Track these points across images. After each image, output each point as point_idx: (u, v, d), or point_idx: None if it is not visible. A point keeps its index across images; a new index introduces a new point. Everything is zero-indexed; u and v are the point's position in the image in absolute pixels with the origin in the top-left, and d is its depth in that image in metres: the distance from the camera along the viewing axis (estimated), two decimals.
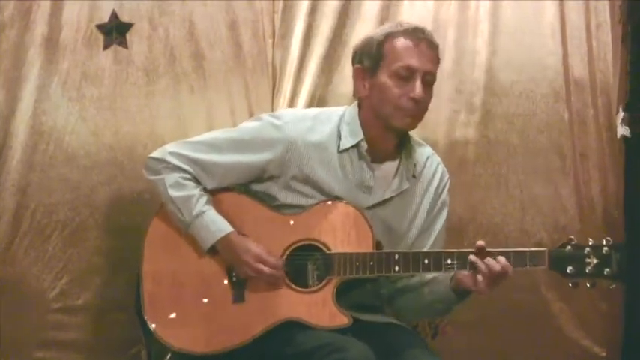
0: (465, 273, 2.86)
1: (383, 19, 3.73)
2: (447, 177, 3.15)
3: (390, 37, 2.94)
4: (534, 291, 3.89)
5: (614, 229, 3.96)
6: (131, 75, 3.51)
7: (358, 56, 3.00)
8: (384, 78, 2.92)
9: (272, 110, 3.64)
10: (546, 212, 3.88)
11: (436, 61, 2.97)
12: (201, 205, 2.94)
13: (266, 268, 2.89)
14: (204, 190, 2.98)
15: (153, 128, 3.53)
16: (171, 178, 2.96)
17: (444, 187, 3.13)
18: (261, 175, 2.98)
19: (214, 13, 3.60)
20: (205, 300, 2.96)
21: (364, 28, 3.72)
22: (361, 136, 2.97)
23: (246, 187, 3.03)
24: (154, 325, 2.95)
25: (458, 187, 3.71)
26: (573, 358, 3.96)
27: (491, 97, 3.80)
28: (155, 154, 3.02)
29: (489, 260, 2.82)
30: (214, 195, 3.01)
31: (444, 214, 3.13)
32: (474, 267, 2.83)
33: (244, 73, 3.64)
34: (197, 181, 2.98)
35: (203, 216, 2.93)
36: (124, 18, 3.48)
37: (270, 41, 3.68)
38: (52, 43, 3.40)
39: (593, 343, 4.00)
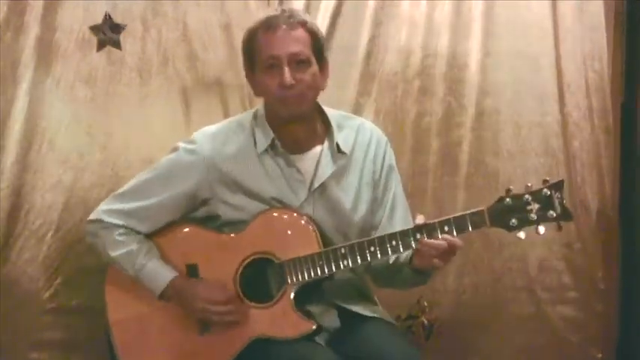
0: (418, 255, 2.84)
1: (377, 19, 3.74)
2: (384, 141, 3.11)
3: (252, 34, 2.96)
4: (529, 292, 3.89)
5: (609, 230, 3.97)
6: (124, 76, 3.50)
7: (243, 61, 3.04)
8: (260, 75, 2.94)
9: None
10: None
11: (302, 39, 2.92)
12: (141, 257, 2.98)
13: (219, 308, 2.91)
14: (143, 239, 3.01)
15: (146, 129, 3.53)
16: (107, 237, 3.01)
17: (385, 153, 3.09)
18: (193, 202, 3.00)
19: (208, 14, 3.59)
20: (174, 338, 2.99)
21: (359, 28, 3.73)
22: (272, 134, 2.97)
23: (187, 217, 3.04)
24: None
25: (450, 188, 3.73)
26: None
27: (484, 98, 3.80)
28: (90, 217, 3.06)
29: (430, 242, 2.78)
30: (158, 231, 3.03)
31: (393, 179, 3.10)
32: (418, 252, 2.81)
33: (239, 75, 3.61)
34: (135, 232, 3.00)
35: (145, 268, 2.97)
36: (118, 19, 3.47)
37: None
38: (45, 44, 3.40)
39: (589, 344, 4.00)
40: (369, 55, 3.76)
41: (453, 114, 3.79)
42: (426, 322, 3.75)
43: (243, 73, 3.56)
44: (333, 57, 3.66)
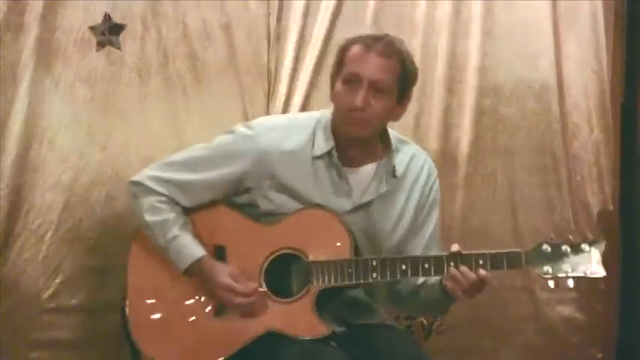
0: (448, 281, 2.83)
1: (377, 20, 3.74)
2: (434, 175, 3.09)
3: (349, 44, 2.93)
4: (528, 292, 3.89)
5: (609, 230, 3.97)
6: (124, 76, 3.50)
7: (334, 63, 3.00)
8: (338, 85, 2.91)
9: (267, 111, 3.66)
10: (538, 213, 3.89)
11: (390, 69, 2.88)
12: (176, 229, 2.95)
13: (238, 299, 2.89)
14: (181, 212, 2.99)
15: (146, 129, 3.53)
16: (146, 201, 2.97)
17: (432, 185, 3.08)
18: (237, 187, 2.97)
19: (208, 15, 3.59)
20: (189, 314, 2.97)
21: (358, 29, 3.72)
22: (332, 142, 2.94)
23: (227, 199, 3.02)
24: (139, 342, 2.97)
25: (449, 188, 3.73)
26: None
27: (483, 98, 3.81)
28: (134, 178, 3.03)
29: (466, 271, 2.78)
30: (195, 208, 3.01)
31: (435, 213, 3.08)
32: (451, 277, 2.80)
33: (238, 75, 3.64)
34: (174, 203, 2.98)
35: (177, 240, 2.94)
36: (117, 19, 3.47)
37: (264, 42, 3.67)
38: (45, 44, 3.40)
39: (589, 344, 4.00)
40: None
41: (452, 114, 3.80)
42: (425, 322, 3.75)
43: (242, 73, 3.63)
44: (333, 57, 3.69)
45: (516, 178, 3.86)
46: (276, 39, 3.69)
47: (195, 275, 2.95)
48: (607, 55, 3.92)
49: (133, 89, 3.52)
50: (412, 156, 3.06)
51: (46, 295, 3.47)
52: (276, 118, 3.07)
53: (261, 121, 3.04)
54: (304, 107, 3.68)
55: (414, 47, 3.74)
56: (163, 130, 3.55)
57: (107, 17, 3.46)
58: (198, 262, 2.93)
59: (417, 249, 3.02)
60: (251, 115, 3.62)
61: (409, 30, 3.77)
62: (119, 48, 3.49)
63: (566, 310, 3.96)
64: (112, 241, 3.47)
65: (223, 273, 2.91)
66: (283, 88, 3.69)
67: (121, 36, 3.49)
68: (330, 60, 3.61)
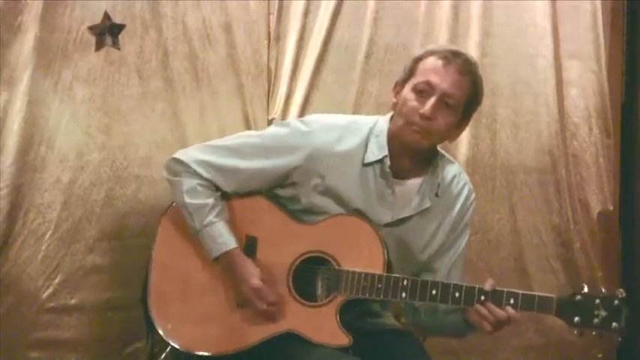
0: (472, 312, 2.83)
1: (377, 19, 3.73)
2: (472, 198, 3.08)
3: (426, 55, 2.92)
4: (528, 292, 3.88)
5: (609, 230, 3.97)
6: (123, 76, 3.50)
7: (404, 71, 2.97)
8: (407, 91, 2.89)
9: (267, 111, 3.67)
10: (538, 212, 3.89)
11: (463, 88, 2.89)
12: (213, 215, 2.92)
13: (262, 306, 2.87)
14: (220, 198, 2.96)
15: (145, 128, 3.53)
16: (188, 183, 2.94)
17: (468, 209, 3.07)
18: (283, 180, 2.95)
19: (208, 15, 3.59)
20: (210, 301, 2.95)
21: (358, 29, 3.73)
22: (386, 151, 2.92)
23: (270, 192, 3.00)
24: (156, 317, 2.95)
25: None
26: None
27: (482, 98, 3.79)
28: (178, 156, 2.99)
29: (493, 309, 2.78)
30: (233, 196, 2.99)
31: (465, 237, 3.08)
32: (479, 312, 2.79)
33: (239, 75, 3.64)
34: (215, 188, 2.96)
35: (212, 227, 2.91)
36: (117, 19, 3.47)
37: (264, 42, 3.67)
38: (44, 44, 3.40)
39: (589, 344, 3.99)
40: (369, 55, 3.75)
41: None
42: None
43: (242, 73, 3.62)
44: (333, 57, 3.70)
45: (515, 178, 3.86)
46: (276, 39, 3.69)
47: (224, 266, 2.93)
48: (607, 55, 3.92)
49: (132, 89, 3.52)
50: (454, 176, 3.06)
51: (45, 294, 3.47)
52: (332, 118, 3.03)
53: (318, 119, 3.03)
54: (304, 107, 3.68)
55: (414, 47, 3.75)
56: (163, 130, 3.55)
57: (107, 17, 3.46)
58: (230, 253, 2.91)
59: (442, 268, 3.02)
60: (251, 115, 3.63)
61: (409, 30, 3.77)
62: (118, 48, 3.49)
63: None
64: (111, 241, 3.49)
65: (255, 274, 2.89)
66: (283, 87, 3.69)
67: (121, 36, 3.49)
68: (331, 60, 3.67)
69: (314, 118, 3.03)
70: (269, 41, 3.68)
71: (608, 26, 3.92)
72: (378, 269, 2.86)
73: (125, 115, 3.51)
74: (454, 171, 3.06)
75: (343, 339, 2.85)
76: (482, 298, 2.79)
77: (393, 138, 2.93)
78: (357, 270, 2.86)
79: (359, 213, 2.92)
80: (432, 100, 2.84)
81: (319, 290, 2.91)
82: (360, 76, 3.75)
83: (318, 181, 2.92)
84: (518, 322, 2.82)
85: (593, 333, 2.77)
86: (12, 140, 3.39)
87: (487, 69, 3.78)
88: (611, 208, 3.95)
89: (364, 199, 2.94)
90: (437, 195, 2.98)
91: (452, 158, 3.10)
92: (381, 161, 2.93)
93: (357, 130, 2.97)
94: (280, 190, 2.98)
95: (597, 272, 3.95)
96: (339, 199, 2.93)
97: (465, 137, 3.79)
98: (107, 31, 3.47)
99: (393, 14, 3.75)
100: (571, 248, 3.90)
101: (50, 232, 3.46)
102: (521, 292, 2.81)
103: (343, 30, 3.72)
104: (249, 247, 2.95)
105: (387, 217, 2.95)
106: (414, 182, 2.99)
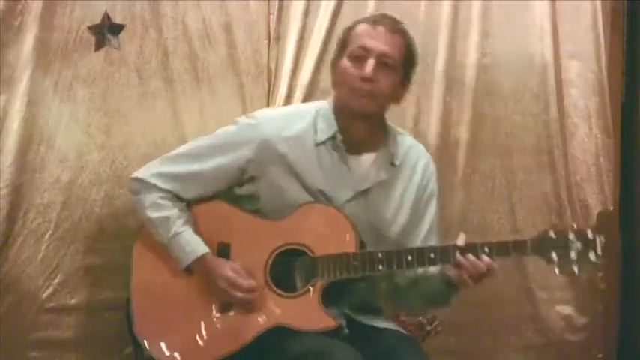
0: (451, 269, 2.87)
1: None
2: (431, 166, 3.13)
3: (354, 24, 3.00)
4: (527, 292, 3.89)
5: (609, 230, 3.96)
6: (123, 76, 3.50)
7: (336, 48, 3.04)
8: (344, 61, 2.95)
9: None
10: (537, 212, 3.89)
11: (397, 46, 2.96)
12: (178, 226, 2.96)
13: (239, 294, 2.90)
14: (184, 208, 3.01)
15: (145, 128, 3.53)
16: (149, 198, 3.00)
17: (430, 177, 3.12)
18: (241, 176, 2.99)
19: (208, 15, 3.59)
20: (193, 312, 2.98)
21: None
22: (335, 127, 2.97)
23: (228, 193, 3.04)
24: (144, 340, 2.98)
25: (448, 188, 3.73)
26: None
27: (481, 98, 3.81)
28: (136, 174, 3.06)
29: (472, 258, 2.82)
30: (196, 205, 3.03)
31: (433, 204, 3.12)
32: (458, 264, 2.83)
33: (239, 74, 3.64)
34: (177, 199, 3.00)
35: (179, 237, 2.95)
36: (117, 19, 3.47)
37: (264, 42, 3.67)
38: (44, 44, 3.39)
39: (589, 344, 4.00)
40: None
41: (451, 113, 3.80)
42: (423, 321, 3.74)
43: (242, 73, 3.63)
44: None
45: (515, 177, 3.86)
46: (276, 39, 3.69)
47: (198, 272, 2.96)
48: (607, 55, 3.92)
49: (132, 89, 3.51)
50: (410, 147, 3.10)
51: (45, 294, 3.46)
52: (277, 109, 3.14)
53: (262, 111, 3.11)
54: None
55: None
56: (163, 130, 3.54)
57: (107, 17, 3.46)
58: (201, 259, 2.94)
59: (415, 240, 3.05)
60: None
61: (409, 30, 3.74)
62: (118, 48, 3.49)
63: (566, 310, 3.96)
64: (111, 241, 3.48)
65: (225, 267, 2.92)
66: (283, 87, 3.68)
67: (121, 36, 3.48)
68: (330, 59, 3.64)
69: (258, 111, 3.10)
70: (269, 41, 3.68)
71: (608, 26, 3.92)
72: (351, 249, 2.90)
73: (125, 115, 3.51)
74: (409, 142, 3.12)
75: (329, 321, 2.88)
76: (458, 252, 2.83)
77: (340, 112, 2.99)
78: (331, 253, 2.90)
79: (321, 193, 2.96)
80: (371, 61, 2.90)
81: (298, 281, 2.94)
82: None
83: (275, 170, 2.97)
84: (496, 273, 2.83)
85: (575, 271, 2.82)
86: (12, 140, 3.38)
87: (487, 69, 3.81)
88: (611, 208, 3.95)
89: (323, 179, 2.98)
90: (393, 164, 3.02)
91: (404, 131, 3.16)
92: (332, 138, 2.98)
93: (303, 115, 3.04)
94: (239, 190, 3.02)
95: (597, 272, 3.94)
96: (300, 182, 2.97)
97: (464, 137, 3.80)
98: (107, 31, 3.46)
99: (393, 14, 3.72)
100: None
101: (50, 232, 3.45)
102: (495, 241, 2.84)
103: (343, 29, 3.72)
104: (223, 254, 2.99)
105: (348, 192, 2.99)
106: (369, 156, 3.03)
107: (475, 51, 3.78)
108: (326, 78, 3.64)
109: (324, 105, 3.05)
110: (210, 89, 3.62)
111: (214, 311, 2.96)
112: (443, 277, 2.91)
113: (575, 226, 2.87)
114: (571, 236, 2.83)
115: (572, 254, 2.82)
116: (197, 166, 3.01)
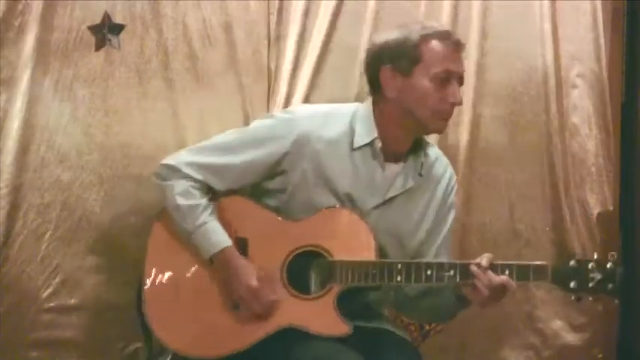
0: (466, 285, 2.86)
1: (377, 20, 3.73)
2: (454, 179, 3.15)
3: (426, 39, 2.93)
4: (527, 292, 3.89)
5: (609, 230, 3.97)
6: (123, 76, 3.49)
7: (387, 56, 2.96)
8: (423, 81, 2.91)
9: (267, 111, 3.64)
10: (537, 213, 3.89)
11: (463, 63, 3.00)
12: (206, 215, 2.93)
13: (259, 308, 2.89)
14: (211, 199, 2.98)
15: (145, 128, 3.52)
16: (180, 185, 2.96)
17: (452, 188, 3.13)
18: (274, 169, 2.97)
19: (208, 15, 3.59)
20: (206, 305, 2.96)
21: (359, 28, 3.73)
22: (376, 133, 2.96)
23: (255, 187, 3.03)
24: (152, 325, 2.96)
25: None
26: None
27: (481, 98, 3.81)
28: (167, 161, 3.01)
29: (490, 274, 2.81)
30: (219, 199, 3.01)
31: (451, 216, 3.12)
32: (474, 278, 2.82)
33: (239, 75, 3.63)
34: (207, 189, 2.98)
35: (205, 226, 2.92)
36: (117, 19, 3.47)
37: (264, 42, 3.67)
38: (44, 43, 3.39)
39: (589, 344, 3.99)
40: None
41: None
42: None
43: (242, 73, 3.62)
44: (333, 57, 3.70)
45: (515, 177, 3.86)
46: (276, 39, 3.69)
47: (217, 266, 2.94)
48: (607, 55, 3.92)
49: (132, 89, 3.51)
50: (436, 158, 3.11)
51: (45, 294, 3.46)
52: (314, 106, 3.11)
53: (300, 107, 3.13)
54: None
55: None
56: (163, 130, 3.54)
57: (107, 17, 3.46)
58: (224, 251, 2.92)
59: (431, 249, 3.07)
60: (251, 115, 3.62)
61: None
62: (118, 48, 3.49)
63: (566, 310, 3.95)
64: (111, 241, 3.48)
65: (251, 273, 2.90)
66: (283, 87, 3.68)
67: (121, 36, 3.48)
68: (331, 60, 3.67)
69: (296, 107, 3.13)
70: (269, 41, 3.68)
71: (609, 26, 3.92)
72: (370, 256, 2.89)
73: (125, 116, 3.51)
74: (435, 153, 3.12)
75: (343, 327, 2.87)
76: (477, 267, 2.83)
77: (384, 123, 2.98)
78: (350, 259, 2.89)
79: (348, 198, 2.95)
80: (457, 86, 2.93)
81: (313, 283, 2.93)
82: (361, 76, 3.74)
83: (308, 166, 2.95)
84: (513, 291, 2.83)
85: (590, 298, 2.84)
86: (12, 140, 3.38)
87: (487, 69, 3.80)
88: (611, 208, 3.95)
89: (354, 183, 2.97)
90: (420, 175, 3.02)
91: (429, 141, 3.15)
92: (370, 144, 2.97)
93: (340, 117, 3.02)
94: (270, 183, 3.00)
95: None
96: (329, 184, 2.96)
97: (464, 137, 3.80)
98: (107, 31, 3.47)
99: (393, 14, 3.75)
100: (570, 248, 3.89)
101: (50, 232, 3.45)
102: (515, 262, 2.84)
103: (343, 30, 3.72)
104: (241, 248, 2.96)
105: (376, 199, 2.99)
106: (398, 165, 3.03)
107: (475, 51, 3.78)
108: (326, 78, 3.69)
109: (361, 108, 3.03)
110: (210, 89, 3.61)
111: (227, 306, 2.94)
112: (455, 290, 2.90)
113: (596, 255, 2.86)
114: (591, 266, 2.82)
115: (591, 284, 2.81)
116: (231, 158, 2.98)
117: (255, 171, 2.98)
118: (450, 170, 3.14)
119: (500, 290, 2.81)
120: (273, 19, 3.68)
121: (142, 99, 3.53)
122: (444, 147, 3.75)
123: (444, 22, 3.76)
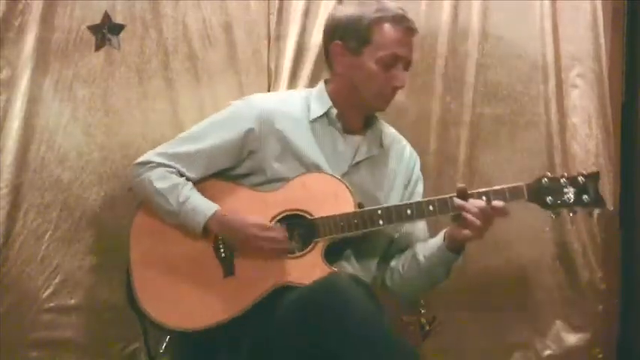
0: (455, 227, 2.95)
1: None
2: (415, 155, 3.26)
3: (379, 21, 3.00)
4: (526, 292, 3.88)
5: (609, 230, 3.96)
6: (123, 75, 3.51)
7: (339, 32, 3.06)
8: (370, 63, 3.01)
9: None
10: (536, 213, 3.84)
11: (413, 48, 3.07)
12: (187, 190, 3.00)
13: (273, 234, 2.94)
14: (188, 179, 3.04)
15: (145, 128, 3.53)
16: (155, 173, 3.03)
17: (415, 162, 3.25)
18: (241, 152, 3.04)
19: (208, 15, 3.60)
20: (196, 278, 2.99)
21: None
22: (330, 103, 3.07)
23: (228, 177, 3.08)
24: (146, 308, 2.99)
25: (447, 186, 3.71)
26: None
27: (482, 98, 3.81)
28: (138, 160, 3.09)
29: (475, 201, 2.91)
30: (195, 185, 3.05)
31: (421, 186, 3.23)
32: (459, 208, 2.91)
33: (239, 74, 3.64)
34: (180, 175, 3.04)
35: (189, 201, 2.98)
36: (117, 19, 3.48)
37: (264, 42, 3.68)
38: (44, 43, 3.41)
39: (589, 344, 3.99)
40: None
41: (451, 113, 3.80)
42: (423, 321, 3.75)
43: (242, 73, 3.62)
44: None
45: (515, 178, 3.83)
46: (276, 39, 3.69)
47: (216, 229, 2.98)
48: (607, 55, 3.91)
49: (132, 89, 3.53)
50: (394, 135, 3.25)
51: (45, 294, 3.47)
52: (271, 93, 3.30)
53: (259, 94, 3.23)
54: None
55: (414, 47, 3.75)
56: (163, 130, 3.54)
57: (107, 17, 3.46)
58: (217, 213, 2.97)
59: (406, 225, 3.15)
60: None
61: None
62: (118, 48, 3.49)
63: (566, 310, 3.95)
64: (111, 241, 3.47)
65: (245, 218, 2.96)
66: (283, 87, 3.67)
67: (121, 36, 3.49)
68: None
69: (252, 95, 3.19)
70: (269, 41, 3.68)
71: (609, 26, 3.91)
72: (350, 210, 2.96)
73: (125, 115, 3.52)
74: (393, 132, 3.26)
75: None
76: (457, 202, 2.93)
77: (337, 98, 3.09)
78: (330, 214, 2.95)
79: (317, 168, 3.02)
80: (403, 70, 3.04)
81: (299, 242, 2.98)
82: None
83: (275, 143, 3.03)
84: (505, 211, 2.94)
85: (570, 214, 2.98)
86: (12, 140, 3.39)
87: (487, 69, 3.80)
88: (611, 208, 3.94)
89: (320, 153, 3.06)
90: (381, 145, 3.14)
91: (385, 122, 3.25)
92: (326, 114, 3.07)
93: (298, 98, 3.16)
94: (240, 169, 3.06)
95: (597, 272, 3.94)
96: (298, 157, 3.03)
97: (464, 137, 3.80)
98: (107, 31, 3.47)
99: None
100: (570, 248, 3.89)
101: (50, 232, 3.46)
102: (491, 188, 2.95)
103: None
104: None
105: (343, 166, 3.07)
106: (359, 137, 3.13)
107: (475, 51, 3.78)
108: (326, 77, 3.68)
109: (313, 91, 3.15)
110: (211, 89, 3.62)
111: (217, 277, 2.98)
112: (445, 242, 3.00)
113: (566, 174, 2.99)
114: (564, 182, 2.95)
115: (566, 198, 2.94)
116: (199, 144, 3.06)
117: (225, 153, 3.05)
118: (409, 148, 3.26)
119: (488, 212, 2.91)
120: (273, 19, 3.68)
121: (142, 99, 3.54)
122: (443, 146, 3.77)
123: (443, 21, 3.77)
